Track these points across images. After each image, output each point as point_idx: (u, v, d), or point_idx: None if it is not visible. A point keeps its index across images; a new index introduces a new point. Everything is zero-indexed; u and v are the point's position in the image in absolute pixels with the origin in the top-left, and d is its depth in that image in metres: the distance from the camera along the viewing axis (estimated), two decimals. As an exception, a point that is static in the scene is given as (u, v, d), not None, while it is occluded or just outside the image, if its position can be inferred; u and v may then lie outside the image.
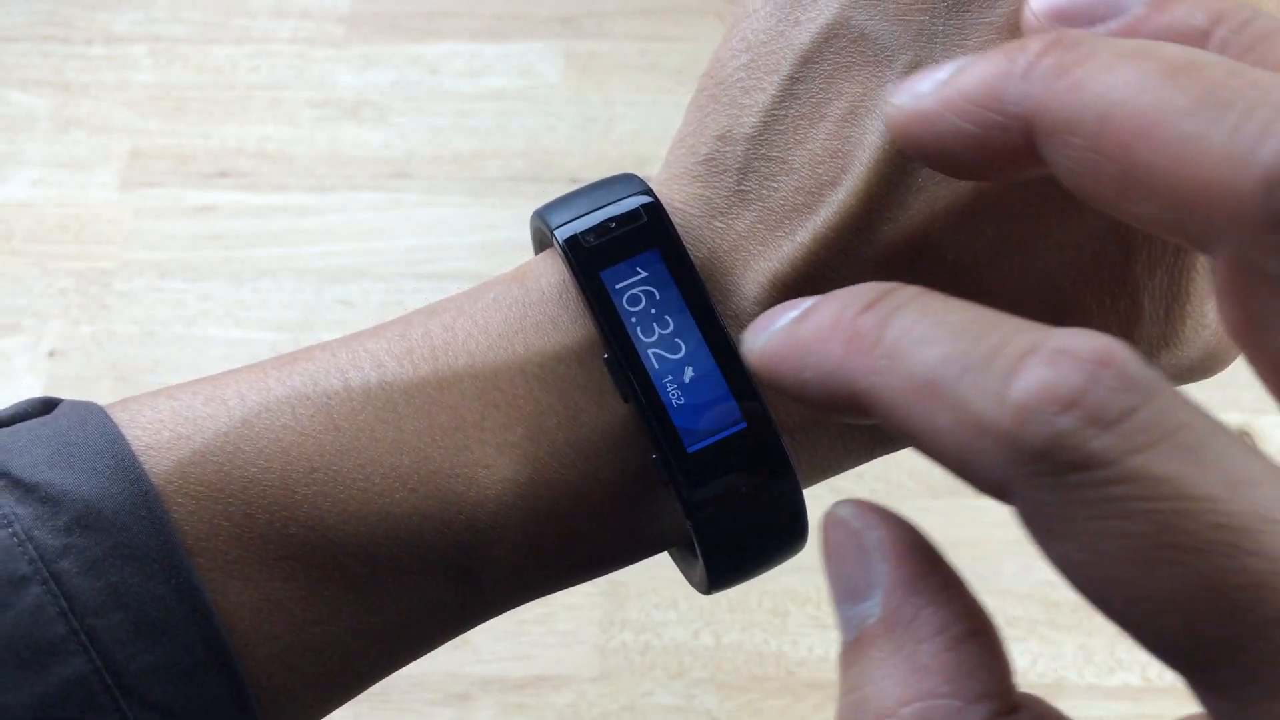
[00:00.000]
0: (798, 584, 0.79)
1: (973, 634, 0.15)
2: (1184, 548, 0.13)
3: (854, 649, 0.16)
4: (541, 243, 0.24)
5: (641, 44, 1.04)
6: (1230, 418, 0.82)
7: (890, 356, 0.15)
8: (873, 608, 0.16)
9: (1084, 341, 0.14)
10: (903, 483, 0.83)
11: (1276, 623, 0.13)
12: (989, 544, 0.80)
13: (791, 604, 0.79)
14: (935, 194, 0.21)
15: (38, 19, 1.05)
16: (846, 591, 0.16)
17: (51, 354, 0.89)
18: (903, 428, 0.15)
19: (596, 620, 0.78)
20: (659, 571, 0.81)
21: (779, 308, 0.18)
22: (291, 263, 0.93)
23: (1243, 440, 0.14)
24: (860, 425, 0.22)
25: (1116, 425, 0.13)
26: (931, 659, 0.15)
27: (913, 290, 0.16)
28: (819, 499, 0.19)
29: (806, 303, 0.18)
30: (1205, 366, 0.23)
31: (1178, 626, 0.13)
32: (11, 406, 0.22)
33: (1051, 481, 0.13)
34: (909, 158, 0.20)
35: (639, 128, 0.99)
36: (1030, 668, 0.76)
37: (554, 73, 1.02)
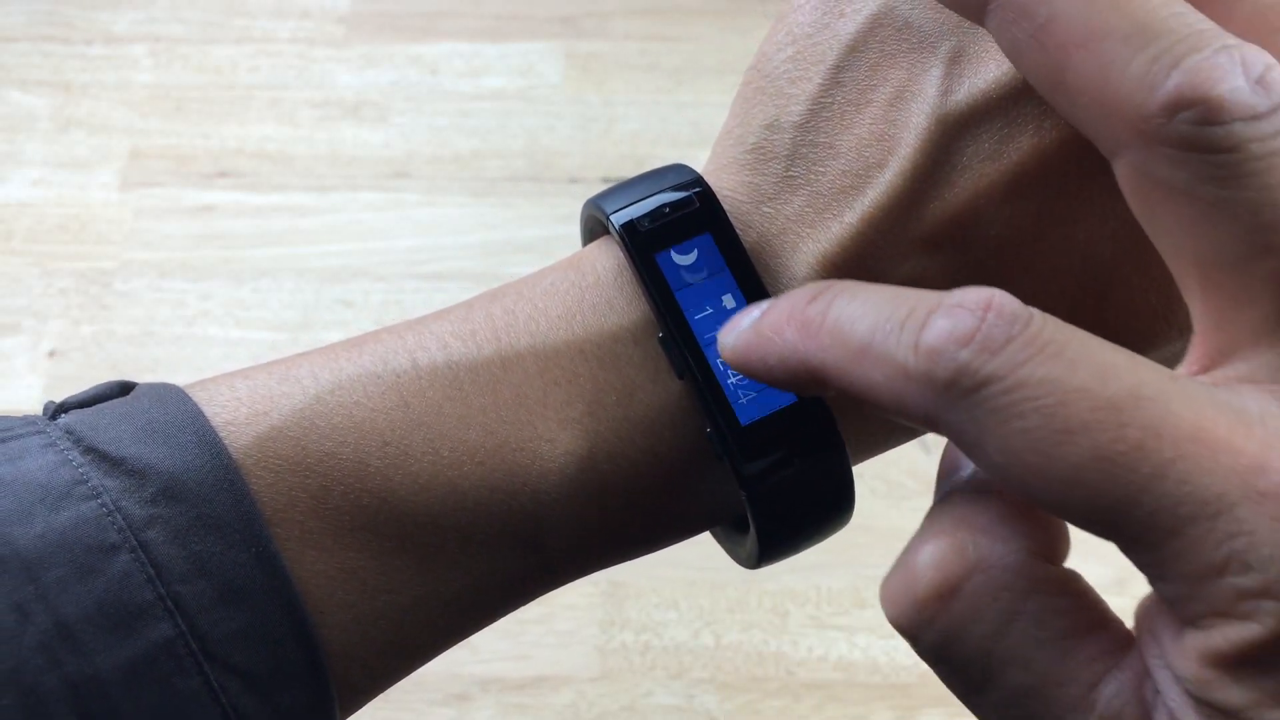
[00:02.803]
0: (798, 584, 0.79)
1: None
2: (1071, 430, 0.16)
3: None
4: (593, 231, 0.25)
5: (641, 44, 1.04)
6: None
7: (833, 334, 0.18)
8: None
9: (972, 294, 0.17)
10: (902, 483, 0.83)
11: (1158, 476, 0.15)
12: (989, 544, 0.80)
13: (791, 604, 0.79)
14: (980, 172, 0.22)
15: (38, 19, 1.05)
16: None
17: (51, 354, 0.89)
18: (851, 389, 0.18)
19: (596, 620, 0.78)
20: (659, 571, 0.81)
21: (743, 312, 0.20)
22: (291, 263, 0.93)
23: (1109, 343, 0.17)
24: None
25: (1002, 350, 0.16)
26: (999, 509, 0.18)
27: (846, 282, 0.20)
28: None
29: (765, 305, 0.20)
30: None
31: (1083, 497, 0.16)
32: (90, 389, 0.23)
33: (964, 404, 0.16)
34: None
35: (639, 128, 0.99)
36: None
37: (554, 73, 1.02)
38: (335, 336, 0.24)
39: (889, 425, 0.24)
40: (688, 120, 0.99)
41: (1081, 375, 0.16)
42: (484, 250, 0.93)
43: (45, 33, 1.04)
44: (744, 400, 0.22)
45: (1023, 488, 0.16)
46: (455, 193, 0.96)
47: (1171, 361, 0.24)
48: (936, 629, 0.17)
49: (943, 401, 0.16)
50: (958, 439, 0.17)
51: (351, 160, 0.98)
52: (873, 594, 0.80)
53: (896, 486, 0.83)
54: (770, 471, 0.22)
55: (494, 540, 0.22)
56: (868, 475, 0.82)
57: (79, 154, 0.98)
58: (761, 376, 0.20)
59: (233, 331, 0.90)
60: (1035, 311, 0.17)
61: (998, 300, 0.17)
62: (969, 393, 0.16)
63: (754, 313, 0.20)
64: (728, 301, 0.22)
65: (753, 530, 0.23)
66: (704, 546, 0.28)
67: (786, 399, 0.22)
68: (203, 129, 0.99)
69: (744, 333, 0.20)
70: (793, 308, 0.19)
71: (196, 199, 0.96)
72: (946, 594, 0.17)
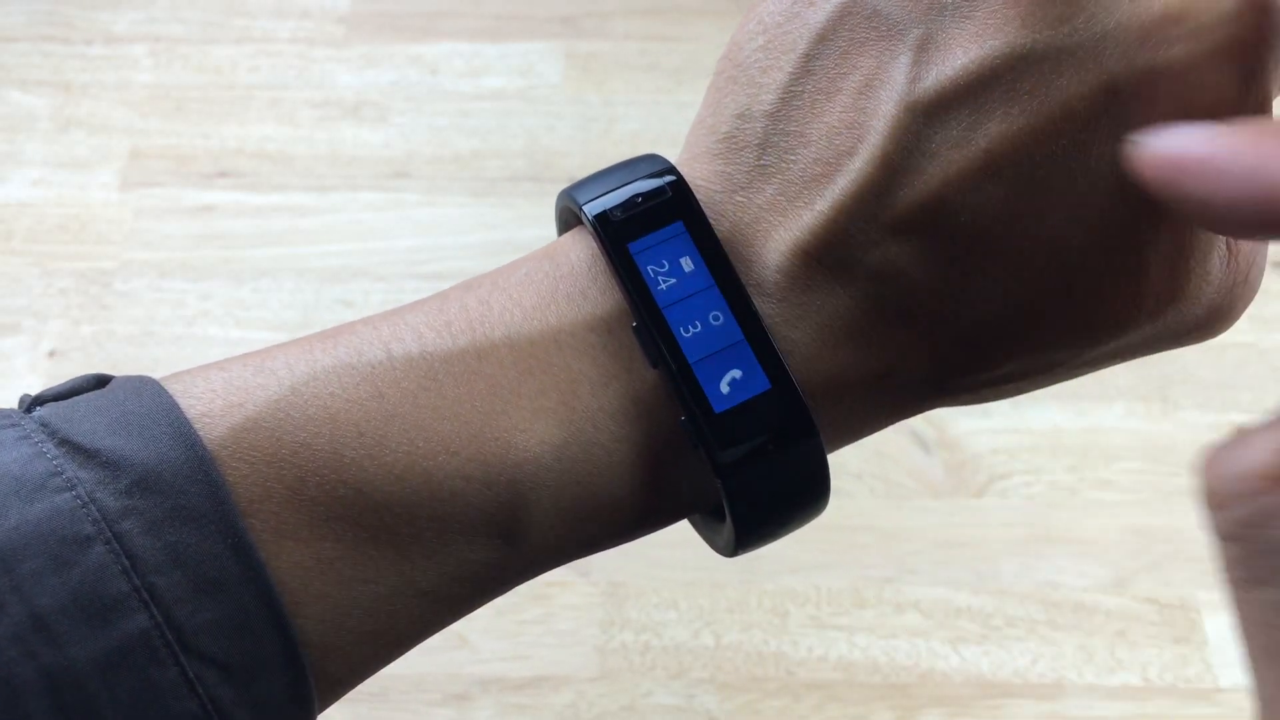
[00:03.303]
0: (797, 584, 0.79)
1: None
2: None
3: None
4: (567, 222, 0.25)
5: (641, 44, 1.04)
6: (1231, 418, 0.82)
7: None
8: None
9: None
10: (902, 482, 0.83)
11: None
12: (989, 544, 0.80)
13: (791, 604, 0.79)
14: (948, 158, 0.22)
15: (38, 19, 1.05)
16: None
17: (51, 354, 0.89)
18: None
19: (596, 620, 0.78)
20: (659, 571, 0.81)
21: (1182, 125, 0.17)
22: (291, 263, 0.93)
23: None
24: (883, 392, 0.23)
25: None
26: None
27: None
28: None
29: (1217, 126, 0.17)
30: (1209, 323, 0.24)
31: None
32: (66, 382, 0.23)
33: None
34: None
35: (639, 128, 0.99)
36: (1030, 667, 0.76)
37: (554, 73, 1.02)
38: (333, 336, 0.24)
39: (866, 412, 0.24)
40: (687, 120, 0.99)
41: None
42: (484, 250, 0.93)
43: (45, 33, 1.05)
44: (718, 388, 0.22)
45: None
46: (455, 193, 0.96)
47: (1142, 348, 0.24)
48: (1252, 506, 0.16)
49: None
50: None
51: (351, 160, 0.98)
52: (873, 594, 0.80)
53: (896, 486, 0.83)
54: (745, 459, 0.22)
55: (470, 529, 0.22)
56: (867, 475, 0.82)
57: (79, 154, 0.98)
58: (1207, 200, 0.17)
59: (233, 331, 0.90)
60: None
61: None
62: None
63: (1207, 129, 0.17)
64: (700, 289, 0.22)
65: (729, 518, 0.23)
66: (703, 546, 0.28)
67: (761, 386, 0.22)
68: (203, 129, 0.99)
69: (1195, 142, 0.17)
70: None
71: (196, 199, 0.96)
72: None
